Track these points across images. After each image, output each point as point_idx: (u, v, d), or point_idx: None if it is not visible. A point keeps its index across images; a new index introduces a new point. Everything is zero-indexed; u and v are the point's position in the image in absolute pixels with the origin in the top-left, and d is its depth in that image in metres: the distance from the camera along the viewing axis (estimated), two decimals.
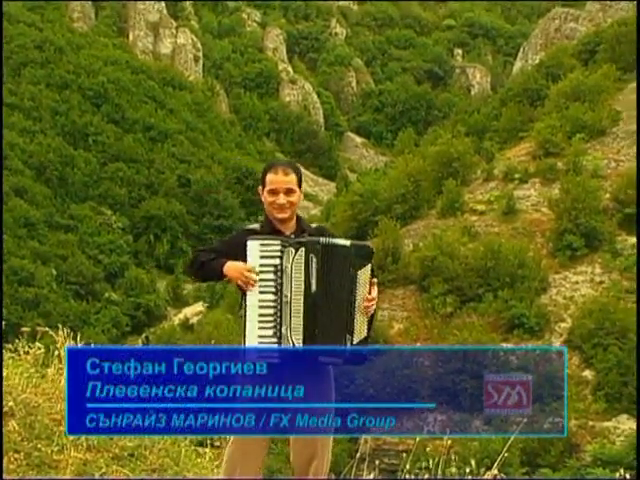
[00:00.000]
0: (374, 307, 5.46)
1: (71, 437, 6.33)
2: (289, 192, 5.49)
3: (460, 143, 64.90)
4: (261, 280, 5.31)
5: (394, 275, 53.68)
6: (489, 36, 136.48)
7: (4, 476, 5.97)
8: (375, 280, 5.49)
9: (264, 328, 5.30)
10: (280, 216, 5.49)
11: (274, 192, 5.49)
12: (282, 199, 5.47)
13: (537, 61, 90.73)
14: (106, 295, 76.19)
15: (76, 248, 79.17)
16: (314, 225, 5.69)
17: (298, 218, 5.60)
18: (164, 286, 79.68)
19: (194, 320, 63.84)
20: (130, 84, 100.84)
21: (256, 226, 5.58)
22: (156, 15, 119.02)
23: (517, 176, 61.21)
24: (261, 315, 5.31)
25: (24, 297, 67.83)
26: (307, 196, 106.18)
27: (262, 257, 5.32)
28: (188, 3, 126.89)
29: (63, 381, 7.31)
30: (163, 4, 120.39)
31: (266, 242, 5.34)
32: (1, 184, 77.02)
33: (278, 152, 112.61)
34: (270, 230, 5.49)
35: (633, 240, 53.26)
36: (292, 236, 5.46)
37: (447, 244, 53.30)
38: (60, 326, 7.68)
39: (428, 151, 68.22)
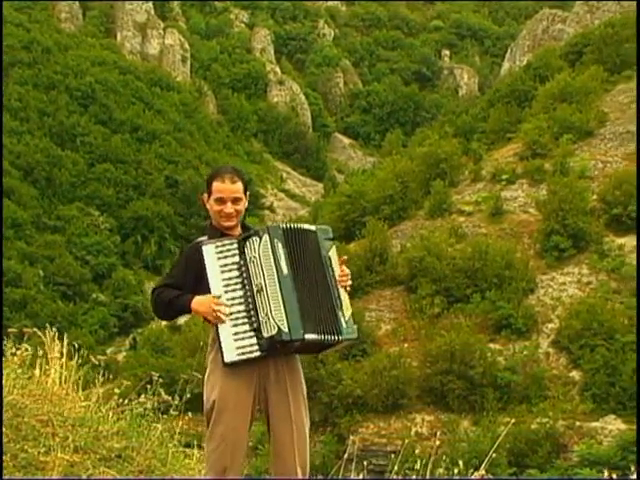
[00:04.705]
0: (350, 282, 5.50)
1: (58, 438, 6.31)
2: (236, 200, 5.48)
3: (448, 144, 64.98)
4: (225, 279, 5.30)
5: (382, 276, 53.71)
6: (477, 37, 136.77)
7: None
8: (345, 258, 5.53)
9: (237, 325, 5.28)
10: (227, 224, 5.49)
11: (221, 201, 5.47)
12: (229, 208, 5.46)
13: (525, 62, 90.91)
14: (93, 296, 76.08)
15: (63, 249, 79.02)
16: (259, 228, 5.68)
17: (243, 224, 5.60)
18: (151, 287, 79.62)
19: (182, 321, 63.69)
20: (118, 85, 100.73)
21: (204, 238, 5.53)
22: (144, 16, 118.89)
23: (505, 177, 61.30)
24: (231, 313, 5.28)
25: (11, 298, 67.64)
26: (295, 197, 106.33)
27: (220, 258, 5.30)
28: (176, 4, 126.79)
29: (50, 382, 7.30)
30: (151, 4, 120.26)
31: (221, 243, 5.34)
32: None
33: (266, 153, 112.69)
34: (219, 236, 5.48)
35: (620, 241, 53.41)
36: None
37: (435, 245, 53.34)
38: (48, 326, 7.66)
39: (416, 152, 68.29)
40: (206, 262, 5.30)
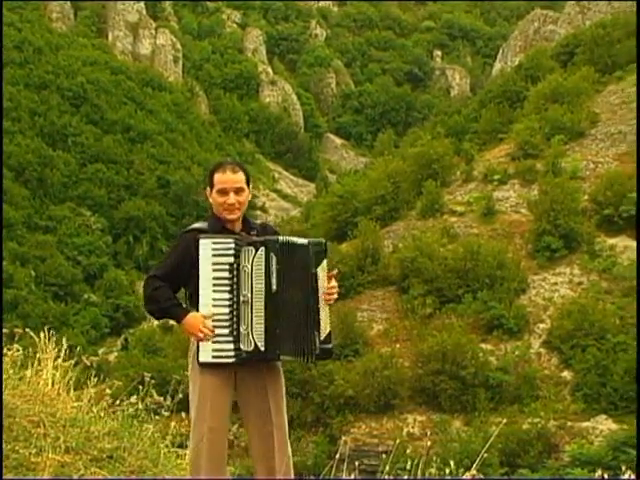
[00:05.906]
0: (336, 296, 5.45)
1: (49, 439, 6.30)
2: (238, 191, 5.42)
3: (440, 144, 65.01)
4: (215, 279, 5.27)
5: (374, 276, 53.71)
6: (468, 38, 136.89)
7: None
8: (335, 272, 5.49)
9: (219, 327, 5.27)
10: (230, 217, 5.43)
11: (223, 192, 5.41)
12: (232, 199, 5.40)
13: (516, 63, 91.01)
14: (85, 296, 75.96)
15: (55, 249, 78.90)
16: (259, 222, 5.64)
17: (245, 218, 5.53)
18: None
19: (173, 322, 63.68)
20: (109, 85, 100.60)
21: (203, 225, 5.48)
22: (135, 15, 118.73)
23: (496, 177, 61.36)
24: (215, 314, 5.27)
25: (3, 298, 67.52)
26: (287, 197, 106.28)
27: (215, 255, 5.26)
28: (168, 4, 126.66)
29: (41, 383, 7.28)
30: (142, 4, 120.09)
31: (219, 240, 5.29)
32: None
33: (258, 153, 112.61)
34: (219, 228, 5.43)
35: (611, 241, 53.51)
36: (242, 233, 5.42)
37: (427, 245, 53.35)
38: (45, 328, 7.64)
39: (408, 152, 68.33)
40: (200, 256, 5.27)
